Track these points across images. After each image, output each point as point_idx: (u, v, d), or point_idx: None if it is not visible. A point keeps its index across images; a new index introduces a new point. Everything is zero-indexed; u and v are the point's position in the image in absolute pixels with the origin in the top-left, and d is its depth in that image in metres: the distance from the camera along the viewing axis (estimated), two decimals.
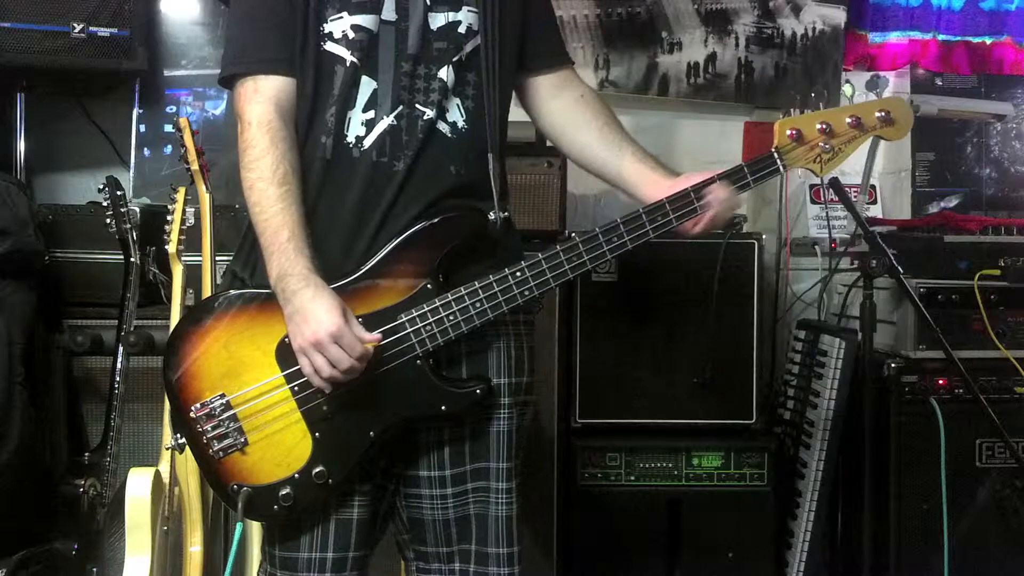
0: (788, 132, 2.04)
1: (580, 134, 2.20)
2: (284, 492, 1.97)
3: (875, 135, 2.10)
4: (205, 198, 2.87)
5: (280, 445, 1.97)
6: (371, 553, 2.14)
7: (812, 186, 4.08)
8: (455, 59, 2.02)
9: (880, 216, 4.12)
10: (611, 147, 2.16)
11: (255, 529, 2.79)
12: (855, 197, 3.71)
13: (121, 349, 2.93)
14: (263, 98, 1.98)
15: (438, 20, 2.02)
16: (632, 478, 3.31)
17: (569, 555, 3.31)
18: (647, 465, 3.31)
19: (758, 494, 3.32)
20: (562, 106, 2.21)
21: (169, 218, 2.92)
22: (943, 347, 2.87)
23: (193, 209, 2.98)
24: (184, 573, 2.87)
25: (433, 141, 2.00)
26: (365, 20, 1.99)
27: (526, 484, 2.17)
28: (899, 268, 2.83)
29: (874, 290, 2.90)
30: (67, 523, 2.91)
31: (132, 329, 2.94)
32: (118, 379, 2.92)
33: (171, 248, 2.90)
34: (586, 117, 2.19)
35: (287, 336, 1.92)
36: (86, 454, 2.99)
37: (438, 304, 1.95)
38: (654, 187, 2.08)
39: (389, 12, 2.00)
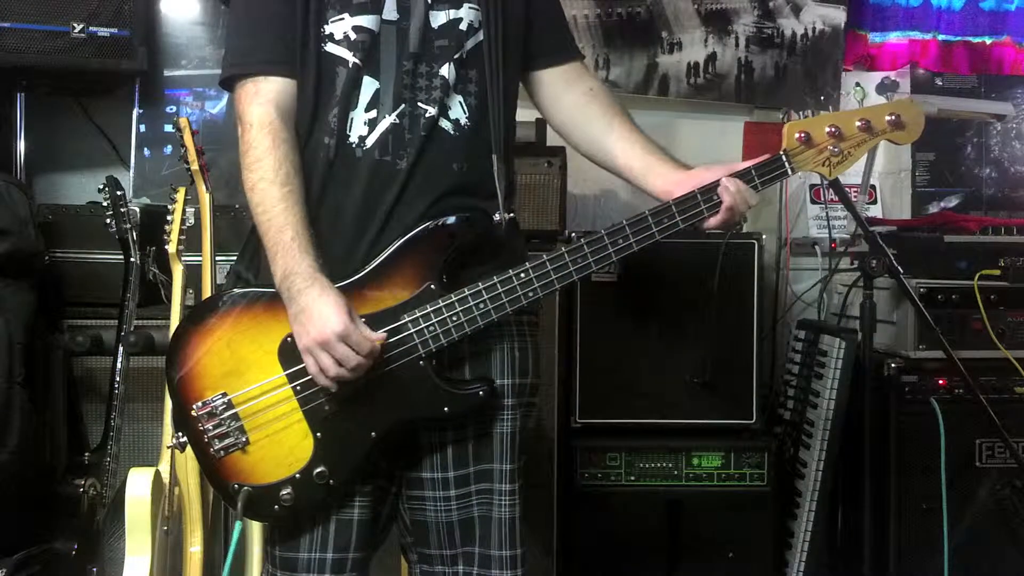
0: (797, 135, 2.04)
1: (591, 128, 2.20)
2: (285, 492, 1.97)
3: (885, 139, 2.09)
4: (205, 198, 2.87)
5: (281, 445, 1.97)
6: (371, 555, 2.13)
7: (812, 186, 4.08)
8: (456, 56, 2.02)
9: (880, 216, 4.13)
10: (621, 140, 2.16)
11: (255, 529, 2.79)
12: (855, 197, 3.72)
13: (121, 349, 2.93)
14: (264, 100, 1.98)
15: (439, 18, 2.02)
16: (632, 478, 3.30)
17: (569, 555, 3.31)
18: (647, 465, 3.31)
19: (758, 494, 3.32)
20: (572, 100, 2.20)
21: (169, 218, 2.92)
22: (943, 347, 2.88)
23: (193, 209, 2.99)
24: (184, 573, 2.86)
25: (435, 139, 2.00)
26: (366, 21, 1.99)
27: (524, 484, 2.16)
28: (899, 268, 2.83)
29: (874, 290, 2.89)
30: (67, 523, 2.90)
31: (132, 329, 2.94)
32: (118, 379, 2.92)
33: (171, 248, 2.90)
34: (596, 111, 2.19)
35: (290, 336, 1.92)
36: (86, 454, 2.99)
37: (441, 305, 1.95)
38: (661, 180, 2.09)
39: (390, 12, 2.00)
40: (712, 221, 2.02)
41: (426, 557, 2.13)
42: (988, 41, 4.26)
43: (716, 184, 2.00)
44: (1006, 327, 3.32)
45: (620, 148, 2.16)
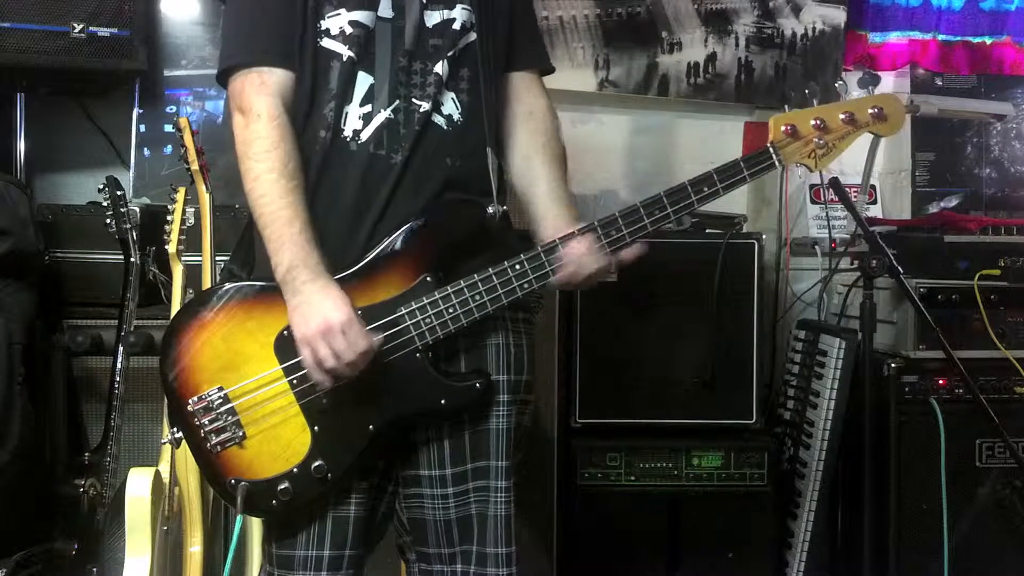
0: (783, 127, 2.06)
1: (513, 149, 2.20)
2: (283, 486, 1.97)
3: (868, 131, 2.12)
4: (205, 198, 2.88)
5: (279, 439, 1.97)
6: (368, 553, 2.14)
7: (812, 186, 4.08)
8: (449, 54, 2.03)
9: (880, 216, 4.13)
10: (529, 172, 2.18)
11: (255, 528, 2.78)
12: (855, 197, 3.71)
13: (121, 349, 2.92)
14: (269, 91, 1.98)
15: (434, 18, 2.04)
16: (632, 478, 3.30)
17: (569, 555, 3.30)
18: (647, 465, 3.30)
19: (758, 494, 3.31)
20: (510, 114, 2.20)
21: (169, 218, 2.92)
22: (943, 347, 2.87)
23: (193, 209, 2.99)
24: (184, 573, 2.86)
25: (429, 134, 2.01)
26: (362, 16, 2.00)
27: (523, 484, 2.16)
28: (899, 268, 2.83)
29: (874, 290, 2.89)
30: (67, 523, 2.90)
31: (132, 329, 2.94)
32: (118, 379, 2.91)
33: (171, 248, 2.90)
34: (523, 136, 2.19)
35: (286, 328, 1.92)
36: (86, 454, 2.98)
37: (438, 297, 1.95)
38: (546, 225, 2.11)
39: (386, 9, 2.02)
40: (554, 280, 2.02)
41: (424, 556, 2.12)
42: (988, 41, 4.27)
43: (570, 236, 2.01)
44: (1006, 327, 3.30)
45: (526, 180, 2.18)
